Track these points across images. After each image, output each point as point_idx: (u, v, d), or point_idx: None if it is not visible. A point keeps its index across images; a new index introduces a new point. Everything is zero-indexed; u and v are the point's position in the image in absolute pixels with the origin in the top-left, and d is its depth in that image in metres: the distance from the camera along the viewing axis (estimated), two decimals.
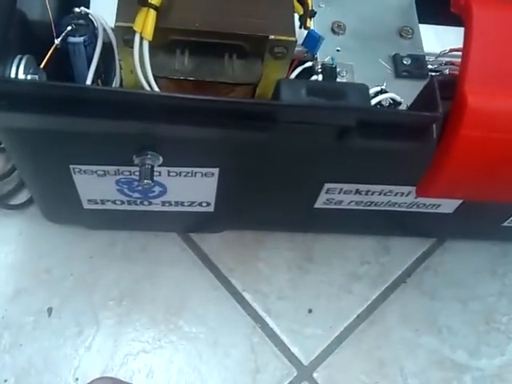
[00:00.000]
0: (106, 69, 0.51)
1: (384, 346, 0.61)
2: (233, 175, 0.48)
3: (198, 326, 0.59)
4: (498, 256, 0.67)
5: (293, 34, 0.46)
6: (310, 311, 0.61)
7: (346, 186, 0.51)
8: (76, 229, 0.62)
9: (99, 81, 0.51)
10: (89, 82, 0.48)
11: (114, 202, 0.55)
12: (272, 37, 0.45)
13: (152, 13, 0.45)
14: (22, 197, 0.63)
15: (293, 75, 0.54)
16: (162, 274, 0.62)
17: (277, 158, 0.47)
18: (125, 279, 0.61)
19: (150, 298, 0.60)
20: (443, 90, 0.41)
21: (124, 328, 0.59)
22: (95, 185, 0.50)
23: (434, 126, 0.41)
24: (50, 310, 0.59)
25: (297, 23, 0.49)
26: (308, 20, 0.54)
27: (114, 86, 0.50)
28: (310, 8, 0.54)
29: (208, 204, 0.54)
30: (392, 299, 0.63)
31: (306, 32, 0.54)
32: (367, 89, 0.43)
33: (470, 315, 0.64)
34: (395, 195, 0.53)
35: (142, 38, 0.45)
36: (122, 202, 0.55)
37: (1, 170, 0.63)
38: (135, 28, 0.44)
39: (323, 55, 0.57)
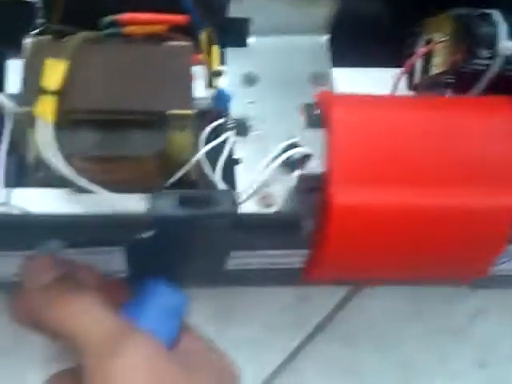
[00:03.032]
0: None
1: None
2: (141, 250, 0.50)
3: None
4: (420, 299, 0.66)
5: (190, 107, 0.48)
6: None
7: (249, 253, 0.53)
8: None
9: None
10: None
11: None
12: (170, 111, 0.47)
13: (51, 97, 0.47)
14: None
15: (204, 134, 0.56)
16: None
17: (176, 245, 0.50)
18: None
19: None
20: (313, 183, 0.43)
21: None
22: None
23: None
24: None
25: None
26: (215, 79, 0.56)
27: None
28: (214, 69, 0.56)
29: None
30: (310, 349, 0.63)
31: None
32: (234, 195, 0.46)
33: (388, 361, 0.63)
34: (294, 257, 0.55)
35: (44, 122, 0.47)
36: None
37: None
38: (36, 113, 0.46)
39: (237, 108, 0.58)
